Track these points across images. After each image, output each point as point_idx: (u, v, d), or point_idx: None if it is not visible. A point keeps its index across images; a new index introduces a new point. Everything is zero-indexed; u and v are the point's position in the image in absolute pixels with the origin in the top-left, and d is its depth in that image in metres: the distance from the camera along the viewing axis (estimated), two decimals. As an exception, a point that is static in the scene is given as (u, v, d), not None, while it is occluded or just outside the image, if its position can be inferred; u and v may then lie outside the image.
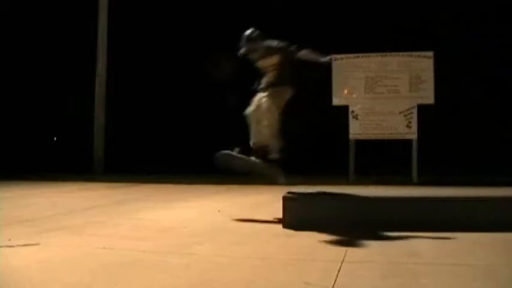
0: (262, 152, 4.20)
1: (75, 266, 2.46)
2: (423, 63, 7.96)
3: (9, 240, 3.01)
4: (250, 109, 4.29)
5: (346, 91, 8.23)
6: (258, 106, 4.18)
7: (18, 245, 2.89)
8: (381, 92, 8.08)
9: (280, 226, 3.59)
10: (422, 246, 2.90)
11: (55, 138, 13.52)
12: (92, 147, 10.55)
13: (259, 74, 4.35)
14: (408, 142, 8.00)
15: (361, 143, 8.25)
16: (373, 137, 8.15)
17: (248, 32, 4.26)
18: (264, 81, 4.30)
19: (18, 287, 2.13)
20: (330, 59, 4.05)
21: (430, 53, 7.98)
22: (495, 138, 9.54)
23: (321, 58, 4.13)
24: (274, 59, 4.20)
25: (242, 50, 4.26)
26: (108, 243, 2.98)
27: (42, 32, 11.89)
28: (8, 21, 11.82)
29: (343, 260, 2.56)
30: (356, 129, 8.13)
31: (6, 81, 11.82)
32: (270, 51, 4.20)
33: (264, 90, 4.25)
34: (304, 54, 4.16)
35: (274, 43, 4.22)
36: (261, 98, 4.24)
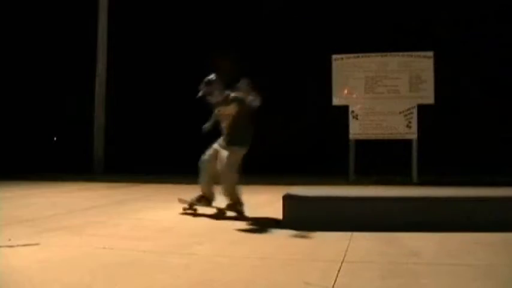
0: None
1: (75, 266, 2.46)
2: (423, 63, 7.97)
3: (9, 240, 3.01)
4: (206, 157, 4.38)
5: (346, 91, 8.24)
6: (219, 160, 4.21)
7: (18, 245, 2.89)
8: (380, 92, 8.10)
9: (280, 226, 3.60)
10: (422, 246, 2.90)
11: (55, 138, 13.51)
12: (92, 147, 10.55)
13: (216, 122, 4.41)
14: (408, 142, 8.01)
15: (361, 143, 8.25)
16: (373, 137, 8.16)
17: (209, 76, 4.30)
18: (222, 130, 4.34)
19: (18, 287, 2.13)
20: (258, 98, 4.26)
21: (430, 53, 8.00)
22: (495, 138, 9.54)
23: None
24: (230, 109, 4.22)
25: (200, 93, 4.31)
26: (108, 243, 2.98)
27: (42, 32, 11.88)
28: (8, 21, 11.81)
29: (343, 260, 2.56)
30: (356, 129, 8.14)
31: (7, 81, 11.81)
32: (228, 100, 4.22)
33: (223, 141, 4.29)
34: (257, 101, 4.22)
35: (233, 93, 4.23)
36: (219, 151, 4.28)
